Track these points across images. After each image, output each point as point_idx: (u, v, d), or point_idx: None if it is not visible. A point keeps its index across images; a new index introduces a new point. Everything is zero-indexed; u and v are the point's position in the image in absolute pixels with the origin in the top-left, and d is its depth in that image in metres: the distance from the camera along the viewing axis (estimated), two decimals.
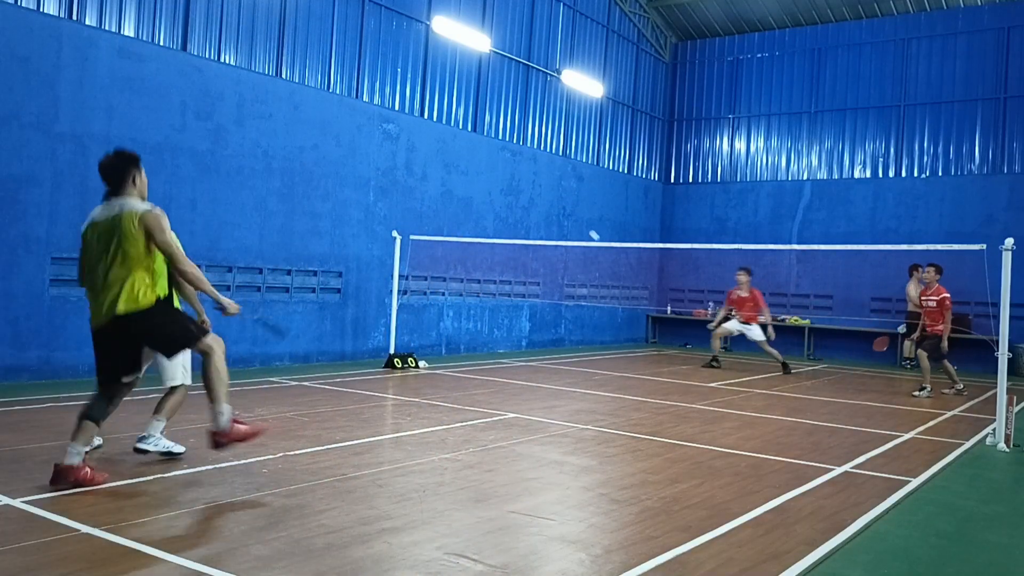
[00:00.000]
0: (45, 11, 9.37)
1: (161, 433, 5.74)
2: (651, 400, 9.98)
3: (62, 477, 4.83)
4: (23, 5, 9.13)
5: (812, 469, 6.37)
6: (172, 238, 5.05)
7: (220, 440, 5.06)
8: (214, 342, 5.16)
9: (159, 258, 5.06)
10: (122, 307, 4.89)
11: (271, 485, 5.15)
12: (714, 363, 14.34)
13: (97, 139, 9.45)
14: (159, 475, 5.26)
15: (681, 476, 5.95)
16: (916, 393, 11.24)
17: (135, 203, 5.02)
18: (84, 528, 4.15)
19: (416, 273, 13.49)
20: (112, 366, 5.09)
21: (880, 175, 17.85)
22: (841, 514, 5.07)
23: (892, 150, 17.74)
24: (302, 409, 7.93)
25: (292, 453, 6.09)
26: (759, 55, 19.53)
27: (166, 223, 5.00)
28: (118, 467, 5.41)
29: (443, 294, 14.38)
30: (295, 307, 11.78)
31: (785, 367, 13.96)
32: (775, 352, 14.00)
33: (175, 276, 5.36)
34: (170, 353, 5.33)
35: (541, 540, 4.36)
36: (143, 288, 4.95)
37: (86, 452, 5.04)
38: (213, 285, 5.42)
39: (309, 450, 6.25)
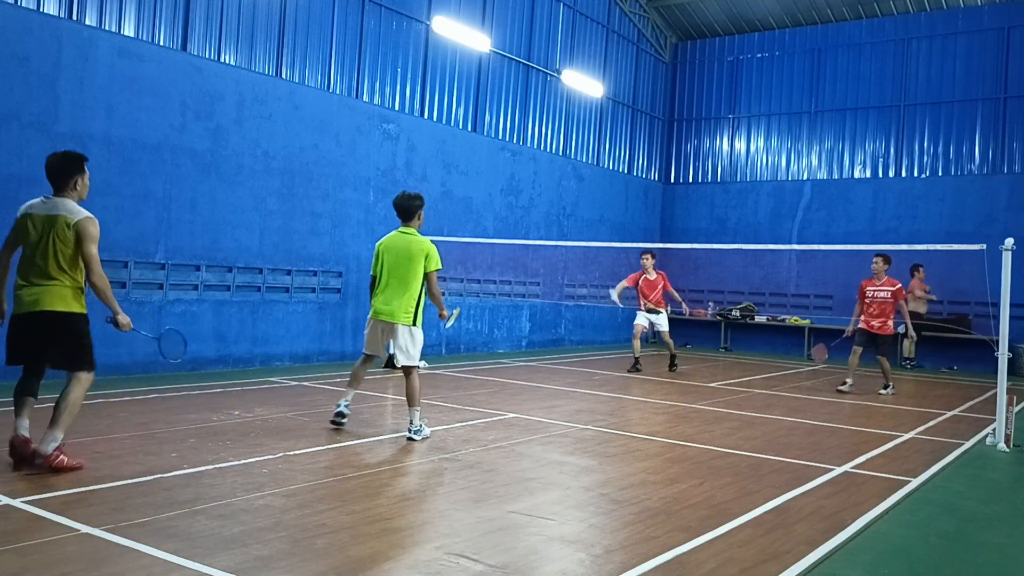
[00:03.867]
0: (45, 11, 9.37)
1: (420, 420, 6.92)
2: (651, 400, 9.98)
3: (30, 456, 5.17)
4: (23, 5, 9.13)
5: (812, 469, 6.37)
6: (95, 250, 5.28)
7: (39, 462, 5.15)
8: (88, 378, 5.37)
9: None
10: (59, 306, 5.17)
11: (271, 485, 5.15)
12: (637, 367, 13.01)
13: (97, 139, 9.45)
14: (159, 475, 5.26)
15: (681, 476, 5.95)
16: (881, 391, 11.40)
17: (72, 207, 5.32)
18: (84, 528, 4.15)
19: None
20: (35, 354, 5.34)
21: (880, 175, 17.85)
22: (841, 514, 5.07)
23: (892, 150, 17.74)
24: (302, 409, 7.93)
25: (292, 453, 6.08)
26: (759, 55, 19.53)
27: (96, 232, 5.27)
28: (118, 467, 5.41)
29: (443, 294, 14.35)
30: (295, 307, 11.77)
31: (673, 360, 13.36)
32: (672, 344, 13.41)
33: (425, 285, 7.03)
34: (68, 365, 5.36)
35: (541, 540, 4.36)
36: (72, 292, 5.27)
37: None
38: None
39: (309, 450, 6.25)
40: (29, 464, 5.14)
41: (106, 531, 4.12)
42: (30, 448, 5.16)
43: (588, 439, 7.24)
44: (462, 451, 6.46)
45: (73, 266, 5.23)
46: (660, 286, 13.39)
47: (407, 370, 7.00)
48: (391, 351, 7.07)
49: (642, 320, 13.42)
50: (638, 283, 13.41)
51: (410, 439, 6.78)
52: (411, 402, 6.94)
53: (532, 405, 9.00)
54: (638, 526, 4.68)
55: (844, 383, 11.61)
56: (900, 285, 11.50)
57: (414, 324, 6.97)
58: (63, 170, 5.34)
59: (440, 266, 7.10)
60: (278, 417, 7.50)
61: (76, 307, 5.25)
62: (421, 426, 6.89)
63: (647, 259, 13.37)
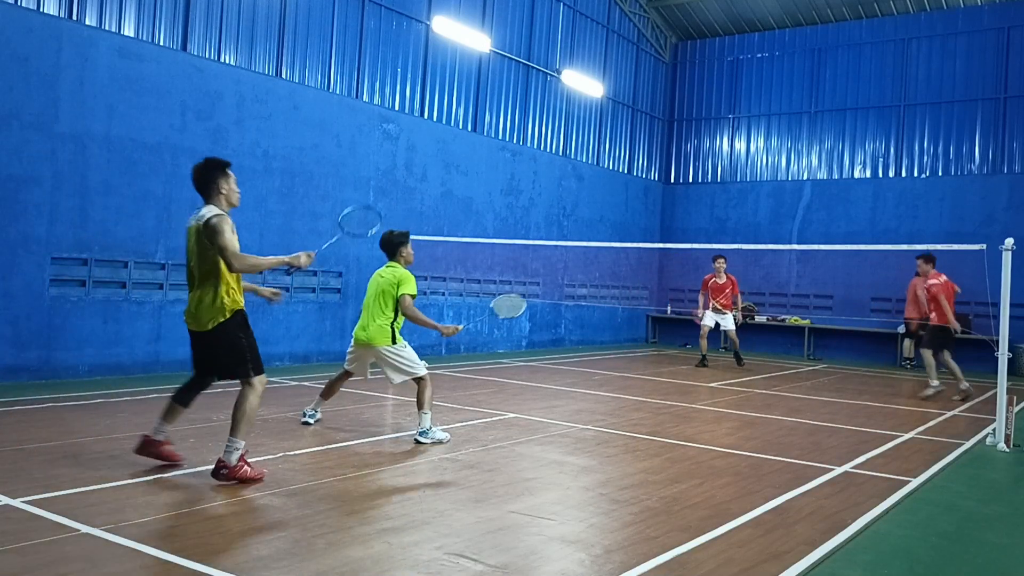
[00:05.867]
0: (45, 11, 9.37)
1: (431, 424, 6.76)
2: (651, 400, 9.98)
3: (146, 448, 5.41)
4: (23, 5, 9.12)
5: (812, 469, 6.37)
6: (229, 241, 5.17)
7: (223, 472, 5.14)
8: (259, 381, 5.33)
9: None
10: (203, 325, 5.20)
11: (271, 485, 5.15)
12: (704, 363, 14.23)
13: (97, 139, 9.45)
14: (159, 475, 5.26)
15: (681, 476, 5.95)
16: (924, 393, 10.92)
17: (204, 210, 5.28)
18: (84, 528, 4.15)
19: (416, 273, 13.46)
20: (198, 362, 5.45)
21: (880, 175, 17.85)
22: (841, 514, 5.07)
23: (892, 150, 17.74)
24: (302, 409, 7.92)
25: (292, 453, 6.09)
26: (759, 55, 19.53)
27: (226, 226, 5.18)
28: (118, 467, 5.41)
29: (443, 294, 14.37)
30: (295, 307, 11.77)
31: (738, 358, 14.38)
32: (736, 341, 14.44)
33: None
34: (222, 374, 5.41)
35: (541, 540, 4.36)
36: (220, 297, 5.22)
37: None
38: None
39: (309, 450, 6.25)
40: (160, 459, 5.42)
41: (106, 531, 4.12)
42: (158, 449, 5.42)
43: (588, 439, 7.24)
44: (462, 451, 6.46)
45: (211, 273, 5.17)
46: (728, 290, 14.19)
47: (415, 380, 6.94)
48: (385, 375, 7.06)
49: (708, 320, 14.27)
50: (708, 285, 14.29)
51: (417, 441, 6.73)
52: (419, 405, 6.87)
53: (532, 405, 9.00)
54: (638, 526, 4.68)
55: (929, 387, 10.92)
56: (934, 282, 10.95)
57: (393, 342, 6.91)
58: (199, 177, 5.34)
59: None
60: (278, 417, 7.50)
61: (220, 317, 5.16)
62: (430, 428, 6.79)
63: (719, 262, 14.18)
